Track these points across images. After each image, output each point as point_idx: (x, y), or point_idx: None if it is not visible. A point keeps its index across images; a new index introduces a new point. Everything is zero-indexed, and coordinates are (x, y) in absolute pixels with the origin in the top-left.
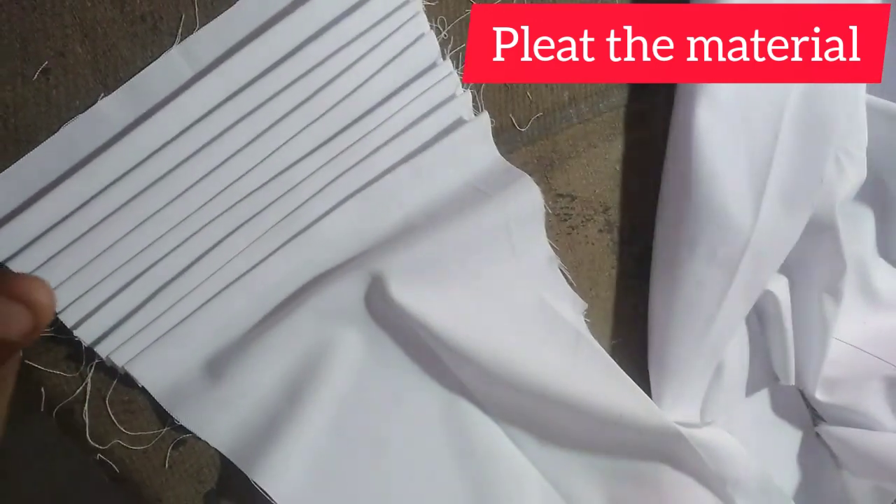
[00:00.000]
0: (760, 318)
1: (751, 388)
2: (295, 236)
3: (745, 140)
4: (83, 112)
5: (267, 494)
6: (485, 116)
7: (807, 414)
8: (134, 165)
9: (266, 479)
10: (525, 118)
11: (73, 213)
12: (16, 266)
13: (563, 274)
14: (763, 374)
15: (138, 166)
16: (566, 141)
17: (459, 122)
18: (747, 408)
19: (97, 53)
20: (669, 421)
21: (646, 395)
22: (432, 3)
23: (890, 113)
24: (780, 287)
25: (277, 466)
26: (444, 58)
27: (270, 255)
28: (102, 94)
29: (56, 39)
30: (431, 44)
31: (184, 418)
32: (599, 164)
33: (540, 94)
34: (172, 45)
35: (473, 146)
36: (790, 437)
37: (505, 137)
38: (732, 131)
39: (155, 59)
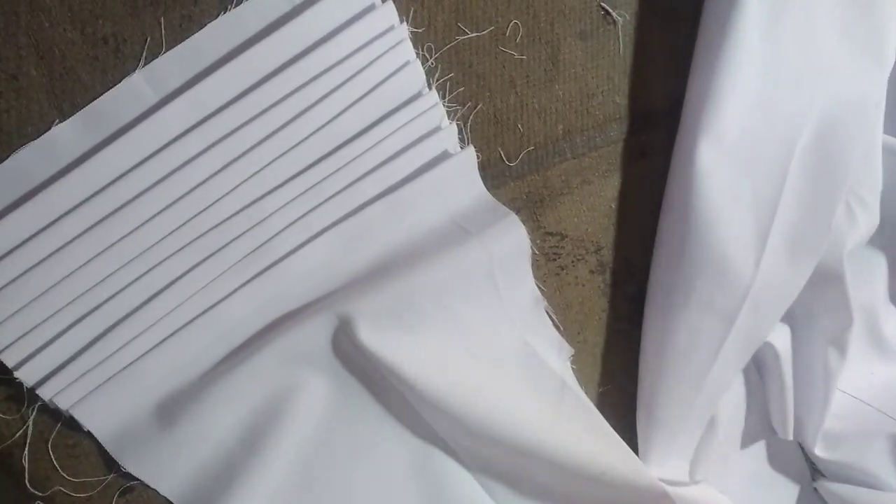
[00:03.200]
0: (759, 369)
1: (747, 441)
2: (262, 272)
3: (750, 182)
4: (36, 139)
5: None
6: (470, 150)
7: (805, 469)
8: (89, 196)
9: None
10: (515, 152)
11: (19, 245)
12: None
13: (550, 317)
14: (760, 426)
15: (94, 196)
16: (558, 176)
17: (444, 156)
18: (743, 462)
19: (53, 77)
20: (655, 479)
21: (631, 452)
22: (419, 31)
23: None
24: (781, 338)
25: None
26: (429, 87)
27: (234, 291)
28: (57, 120)
29: (9, 61)
30: (417, 72)
31: (132, 465)
32: (594, 202)
33: (532, 126)
34: (136, 69)
35: (457, 181)
36: (787, 493)
37: (492, 172)
38: (737, 172)
39: (116, 84)
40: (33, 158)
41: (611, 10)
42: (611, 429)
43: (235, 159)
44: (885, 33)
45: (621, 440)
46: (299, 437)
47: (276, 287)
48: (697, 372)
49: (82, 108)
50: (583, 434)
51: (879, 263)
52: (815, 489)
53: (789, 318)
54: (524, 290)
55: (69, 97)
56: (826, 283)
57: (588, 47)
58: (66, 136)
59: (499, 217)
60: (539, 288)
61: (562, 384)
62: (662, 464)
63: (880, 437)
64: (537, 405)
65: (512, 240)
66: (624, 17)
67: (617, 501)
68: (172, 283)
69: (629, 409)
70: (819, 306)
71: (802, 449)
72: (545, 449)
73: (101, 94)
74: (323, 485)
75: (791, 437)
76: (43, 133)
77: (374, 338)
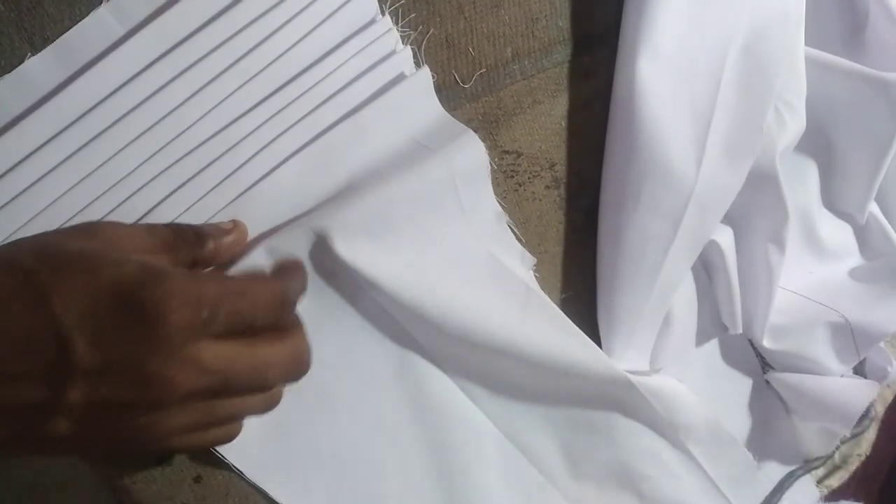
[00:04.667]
0: (707, 269)
1: (700, 338)
2: (237, 197)
3: (687, 92)
4: (9, 72)
5: (220, 455)
6: (425, 71)
7: (756, 362)
8: (64, 126)
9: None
10: (468, 75)
11: (4, 174)
12: None
13: (512, 230)
14: (712, 324)
15: (69, 127)
16: (510, 97)
17: (400, 78)
18: (697, 357)
19: (21, 11)
20: (619, 370)
21: (595, 346)
22: None
23: (828, 64)
24: (724, 237)
25: None
26: (382, 13)
27: (212, 217)
28: (29, 54)
29: None
30: (371, 2)
31: None
32: (545, 121)
33: (482, 49)
34: (101, 2)
35: (415, 101)
36: (740, 385)
37: (448, 94)
38: (674, 84)
39: (83, 17)
40: (7, 91)
41: None
42: (575, 327)
43: (201, 88)
44: None
45: (585, 336)
46: None
47: (252, 211)
48: (650, 270)
49: (52, 41)
50: (549, 333)
51: (811, 169)
52: (766, 380)
53: (731, 219)
54: (486, 205)
55: (38, 31)
56: (762, 184)
57: None
58: (38, 68)
59: (457, 134)
60: (500, 203)
61: (527, 289)
62: (624, 358)
63: (820, 326)
64: (505, 308)
65: (472, 155)
66: None
67: (586, 393)
68: (152, 209)
69: (590, 312)
70: (757, 206)
71: (752, 343)
72: (515, 348)
73: (70, 28)
74: (310, 391)
75: (740, 331)
76: (16, 66)
77: (350, 250)
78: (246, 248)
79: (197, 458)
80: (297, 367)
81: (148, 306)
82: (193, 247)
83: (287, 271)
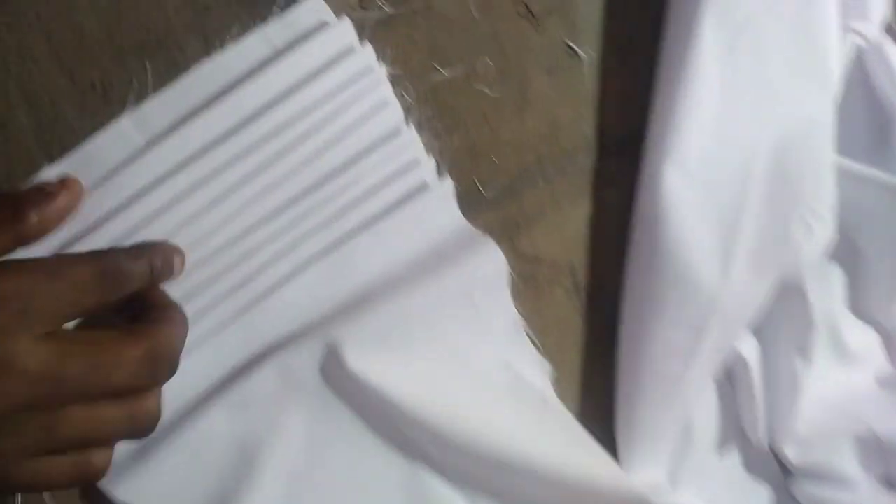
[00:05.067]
0: (730, 379)
1: (722, 449)
2: (252, 304)
3: (713, 202)
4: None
5: None
6: (447, 181)
7: (780, 473)
8: (80, 234)
9: None
10: (490, 181)
11: None
12: None
13: (530, 338)
14: (734, 434)
15: (86, 235)
16: (532, 202)
17: (423, 188)
18: (719, 468)
19: (42, 123)
20: (638, 488)
21: (614, 462)
22: (397, 72)
23: (856, 173)
24: (749, 348)
25: None
26: (407, 124)
27: (225, 323)
28: (46, 164)
29: None
30: (395, 110)
31: (119, 491)
32: (566, 227)
33: (505, 157)
34: (123, 113)
35: (436, 211)
36: (764, 498)
37: (469, 201)
38: (700, 194)
39: (103, 129)
40: None
41: (576, 48)
42: (593, 440)
43: (221, 197)
44: (828, 61)
45: (603, 451)
46: (291, 462)
47: (266, 318)
48: (671, 381)
49: (71, 151)
50: (566, 447)
51: (836, 274)
52: (791, 492)
53: (757, 330)
54: (504, 313)
55: (58, 142)
56: (789, 294)
57: (555, 82)
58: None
59: (477, 244)
60: (518, 310)
61: (544, 401)
62: (642, 472)
63: (847, 439)
64: (521, 421)
65: (490, 264)
66: (589, 54)
67: None
68: None
69: (608, 424)
70: (783, 316)
71: (775, 455)
72: (530, 462)
73: (89, 139)
74: None
75: (765, 445)
76: (31, 176)
77: (362, 362)
78: (255, 360)
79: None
80: (155, 367)
81: None
82: (12, 224)
83: (121, 249)
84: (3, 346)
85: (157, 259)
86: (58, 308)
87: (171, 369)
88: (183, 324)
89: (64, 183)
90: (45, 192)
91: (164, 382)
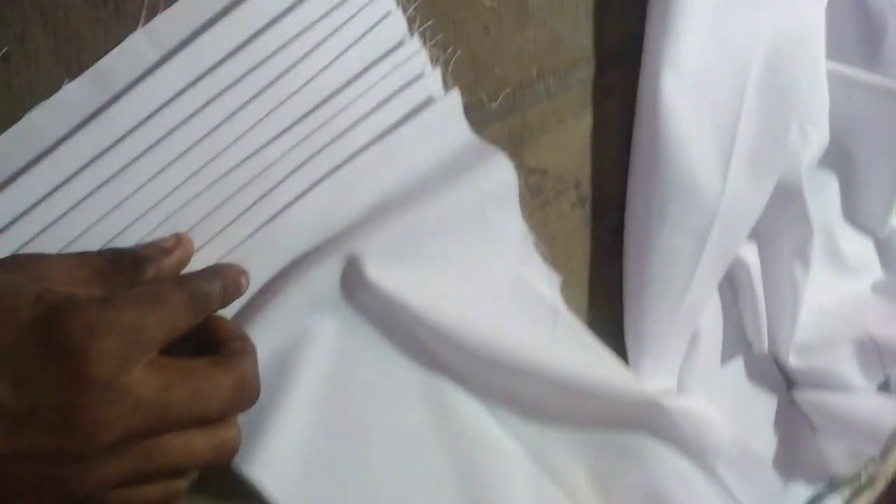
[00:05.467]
0: (733, 287)
1: (726, 357)
2: (269, 220)
3: (711, 109)
4: (47, 98)
5: (259, 485)
6: (455, 94)
7: (781, 380)
8: (102, 151)
9: (257, 470)
10: (494, 94)
11: (39, 202)
12: None
13: (538, 249)
14: (737, 342)
15: (103, 154)
16: (536, 116)
17: (429, 100)
18: (723, 376)
19: (59, 39)
20: (648, 391)
21: (624, 367)
22: None
23: (848, 78)
24: (750, 254)
25: (265, 457)
26: (411, 35)
27: (244, 240)
28: (66, 80)
29: (16, 25)
30: (398, 22)
31: None
32: (569, 139)
33: (508, 69)
34: (136, 28)
35: (444, 123)
36: (766, 404)
37: (474, 114)
38: (698, 100)
39: (118, 43)
40: (46, 117)
41: None
42: (603, 347)
43: (234, 112)
44: None
45: (613, 356)
46: (318, 375)
47: (284, 234)
48: (677, 289)
49: (88, 67)
50: (577, 353)
51: (832, 182)
52: (792, 399)
53: (756, 236)
54: (513, 225)
55: (75, 58)
56: (787, 199)
57: None
58: (75, 94)
59: (486, 156)
60: (525, 223)
61: (554, 310)
62: (652, 378)
63: (845, 343)
64: (533, 330)
65: (500, 177)
66: None
67: (615, 415)
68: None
69: (618, 332)
70: (782, 222)
71: (777, 363)
72: (543, 369)
73: (105, 54)
74: (343, 419)
75: (766, 349)
76: (53, 93)
77: (381, 274)
78: (277, 275)
79: (228, 485)
80: (243, 396)
81: (70, 340)
82: (130, 274)
83: (198, 273)
84: (122, 374)
85: (228, 280)
86: (161, 335)
87: (255, 397)
88: (256, 353)
89: (179, 241)
90: (163, 248)
91: (246, 409)
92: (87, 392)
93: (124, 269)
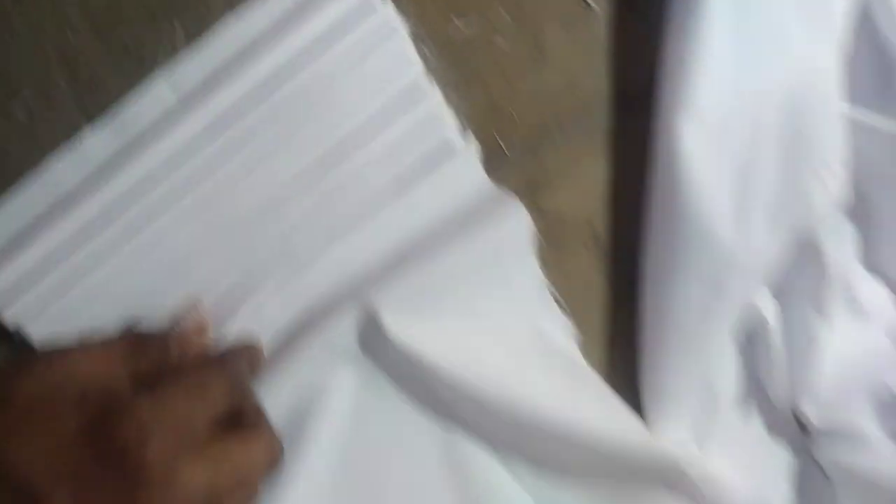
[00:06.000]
0: (750, 339)
1: (743, 410)
2: (292, 274)
3: (728, 156)
4: (67, 145)
5: None
6: (472, 143)
7: (799, 434)
8: (121, 206)
9: None
10: (510, 139)
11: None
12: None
13: (555, 299)
14: (755, 395)
15: (126, 206)
16: (552, 161)
17: (446, 145)
18: (741, 430)
19: (80, 86)
20: (666, 447)
21: (641, 422)
22: (414, 27)
23: (865, 124)
24: (768, 306)
25: None
26: (431, 83)
27: (262, 292)
28: (86, 126)
29: (38, 73)
30: (418, 71)
31: None
32: (586, 184)
33: (524, 113)
34: (155, 74)
35: (462, 173)
36: (784, 458)
37: (491, 158)
38: (715, 148)
39: (138, 89)
40: (66, 163)
41: (590, 1)
42: (621, 402)
43: (256, 164)
44: (835, 9)
45: (630, 411)
46: (335, 431)
47: (305, 286)
48: (693, 338)
49: (109, 114)
50: (596, 408)
51: (849, 231)
52: (811, 454)
53: (774, 288)
54: (530, 275)
55: (96, 104)
56: (804, 250)
57: (569, 36)
58: (95, 141)
59: (502, 204)
60: (542, 271)
61: (572, 363)
62: (668, 431)
63: (866, 398)
64: (551, 384)
65: (516, 225)
66: (602, 7)
67: (631, 471)
68: (208, 288)
69: (634, 383)
70: (800, 273)
71: (796, 417)
72: (562, 425)
73: (125, 100)
74: (359, 476)
75: (784, 403)
76: (74, 140)
77: (398, 326)
78: (298, 328)
79: None
80: (275, 457)
81: (125, 444)
82: (158, 356)
83: (230, 353)
84: (178, 470)
85: (252, 355)
86: (207, 422)
87: (283, 454)
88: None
89: (199, 315)
90: (183, 332)
91: (278, 470)
92: (144, 491)
93: (150, 352)
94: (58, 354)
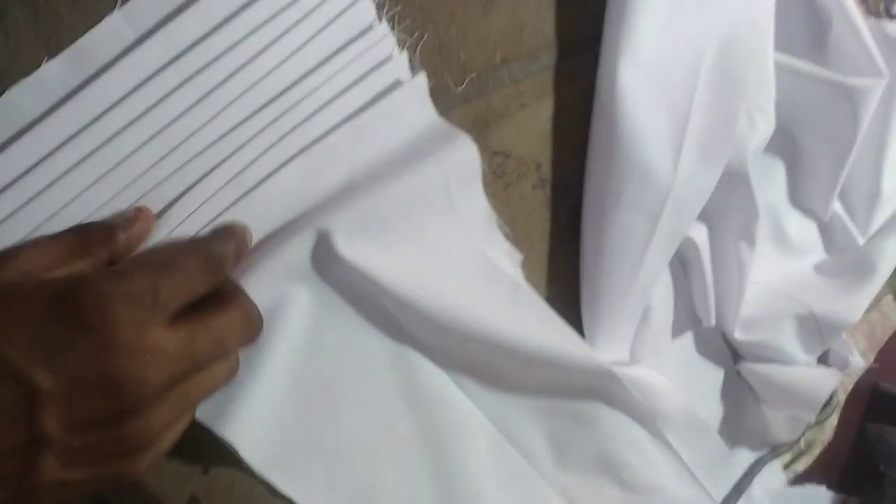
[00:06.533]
0: (683, 265)
1: (676, 331)
2: (241, 197)
3: (665, 96)
4: (26, 76)
5: (233, 449)
6: (421, 77)
7: (727, 353)
8: (80, 128)
9: (232, 432)
10: (459, 79)
11: (17, 179)
12: None
13: (500, 229)
14: (687, 317)
15: (84, 130)
16: (499, 101)
17: (397, 84)
18: (673, 349)
19: (38, 18)
20: (602, 360)
21: (580, 338)
22: None
23: (794, 68)
24: (699, 234)
25: (242, 421)
26: (379, 20)
27: (217, 216)
28: (46, 58)
29: None
30: (367, 6)
31: None
32: (531, 123)
33: (473, 55)
34: (114, 8)
35: (411, 106)
36: (713, 375)
37: (441, 97)
38: (653, 88)
39: (97, 24)
40: (26, 94)
41: None
42: (561, 320)
43: (208, 93)
44: None
45: (570, 328)
46: (291, 343)
47: (256, 211)
48: (631, 266)
49: (67, 46)
50: (536, 325)
51: (778, 168)
52: (738, 371)
53: (705, 217)
54: (477, 205)
55: (54, 37)
56: (734, 183)
57: None
58: (54, 73)
59: (451, 137)
60: (488, 203)
61: (515, 285)
62: (606, 350)
63: (788, 318)
64: (495, 303)
65: (465, 158)
66: None
67: (571, 383)
68: (162, 211)
69: (574, 307)
70: (729, 204)
71: (724, 335)
72: (504, 340)
73: (84, 33)
74: (314, 385)
75: (713, 324)
76: (33, 70)
77: (350, 249)
78: (252, 249)
79: (204, 450)
80: (252, 327)
81: (89, 314)
82: (106, 243)
83: (212, 235)
84: (146, 336)
85: (239, 239)
86: (177, 296)
87: (261, 325)
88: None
89: (139, 210)
90: (128, 217)
91: (256, 339)
92: (116, 356)
93: (98, 238)
94: (11, 254)
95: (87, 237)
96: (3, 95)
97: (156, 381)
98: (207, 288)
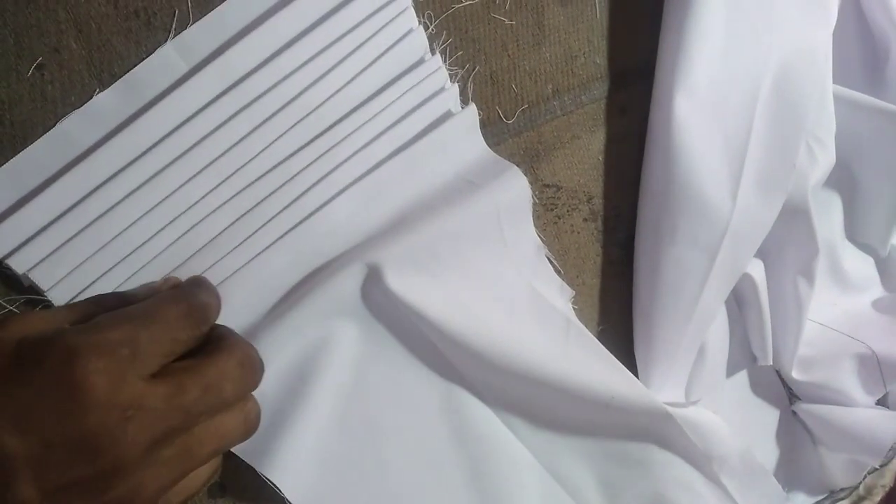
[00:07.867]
0: (739, 302)
1: (731, 370)
2: (293, 228)
3: (722, 128)
4: (79, 107)
5: (277, 488)
6: (472, 109)
7: (784, 393)
8: (131, 160)
9: (275, 472)
10: (511, 110)
11: (70, 209)
12: (15, 264)
13: (551, 262)
14: (742, 355)
15: (135, 161)
16: (551, 132)
17: (448, 115)
18: (728, 388)
19: (91, 49)
20: (657, 401)
21: (635, 378)
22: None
23: (853, 101)
24: (757, 271)
25: (286, 460)
26: (432, 52)
27: (268, 247)
28: (98, 90)
29: (50, 35)
30: (420, 39)
31: None
32: (583, 155)
33: (524, 86)
34: (167, 40)
35: (462, 138)
36: (769, 416)
37: (492, 129)
38: (709, 120)
39: (149, 55)
40: (79, 125)
41: None
42: (614, 359)
43: (261, 123)
44: None
45: (625, 368)
46: (338, 380)
47: (306, 242)
48: (686, 303)
49: (120, 77)
50: (589, 364)
51: (835, 202)
52: (793, 411)
53: (763, 253)
54: (527, 238)
55: (107, 67)
56: (794, 217)
57: (568, 13)
58: (106, 104)
59: (502, 170)
60: (539, 236)
61: (567, 322)
62: (661, 390)
63: (847, 358)
64: (546, 341)
65: (515, 190)
66: None
67: (624, 425)
68: (212, 240)
69: (627, 344)
70: (788, 240)
71: (780, 375)
72: (556, 379)
73: (136, 65)
74: (360, 423)
75: (770, 363)
76: (85, 102)
77: (400, 283)
78: (301, 282)
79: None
80: (251, 371)
81: (57, 369)
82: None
83: (194, 286)
84: (123, 390)
85: (216, 293)
86: (160, 348)
87: (261, 370)
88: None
89: (167, 282)
90: (150, 288)
91: (259, 383)
92: (90, 413)
93: (109, 306)
94: (21, 316)
95: (102, 307)
96: (57, 126)
97: (140, 438)
98: (193, 339)
